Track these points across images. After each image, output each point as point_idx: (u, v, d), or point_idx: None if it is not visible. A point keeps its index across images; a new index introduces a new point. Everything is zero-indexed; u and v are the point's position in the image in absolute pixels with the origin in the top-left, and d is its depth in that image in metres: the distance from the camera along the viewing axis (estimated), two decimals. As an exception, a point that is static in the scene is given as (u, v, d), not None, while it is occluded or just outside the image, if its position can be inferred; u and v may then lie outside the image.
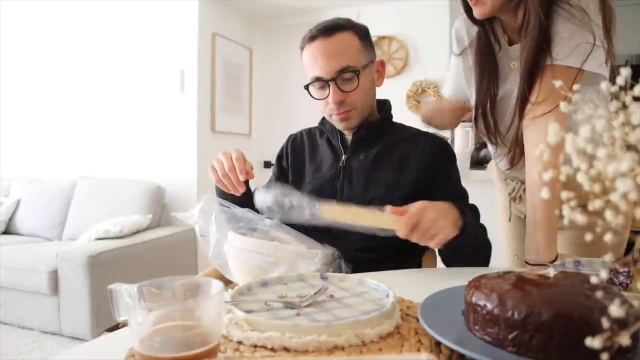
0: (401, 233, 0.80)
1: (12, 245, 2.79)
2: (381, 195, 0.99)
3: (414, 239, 0.81)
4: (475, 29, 1.07)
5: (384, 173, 1.02)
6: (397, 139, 1.06)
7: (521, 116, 0.96)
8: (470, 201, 1.05)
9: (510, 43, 1.04)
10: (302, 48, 1.04)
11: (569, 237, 1.10)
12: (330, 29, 0.99)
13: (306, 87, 1.04)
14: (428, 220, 0.80)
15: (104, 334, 0.62)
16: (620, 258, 0.61)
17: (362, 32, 1.02)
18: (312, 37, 1.00)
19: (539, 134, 0.91)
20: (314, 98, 1.05)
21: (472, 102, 1.11)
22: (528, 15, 0.91)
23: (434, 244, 0.84)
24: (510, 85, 1.05)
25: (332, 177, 1.06)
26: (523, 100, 0.95)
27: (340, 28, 0.99)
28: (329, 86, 0.99)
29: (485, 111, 1.07)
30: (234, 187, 0.96)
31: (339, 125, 1.07)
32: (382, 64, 1.08)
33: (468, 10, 1.02)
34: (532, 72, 0.93)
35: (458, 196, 1.02)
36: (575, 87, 0.38)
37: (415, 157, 1.02)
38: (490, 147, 1.20)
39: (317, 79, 1.00)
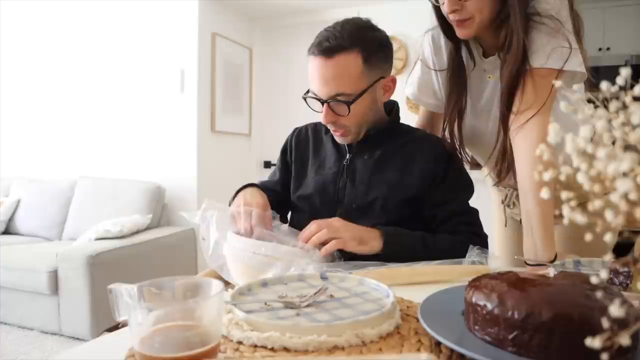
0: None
1: (12, 245, 2.79)
2: (384, 195, 0.99)
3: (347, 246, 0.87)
4: (449, 44, 1.07)
5: (388, 173, 1.01)
6: (403, 141, 1.05)
7: (505, 131, 0.97)
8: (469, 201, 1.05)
9: (485, 55, 1.04)
10: (308, 53, 1.00)
11: (564, 231, 1.10)
12: (332, 50, 0.93)
13: (304, 97, 1.02)
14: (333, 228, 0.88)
15: (104, 334, 0.62)
16: (620, 258, 0.61)
17: (371, 49, 0.96)
18: (314, 53, 0.96)
19: (528, 139, 0.91)
20: (311, 108, 1.04)
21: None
22: (510, 36, 0.92)
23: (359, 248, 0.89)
24: (487, 98, 1.06)
25: (335, 175, 1.06)
26: (505, 116, 0.96)
27: (343, 49, 0.93)
28: (323, 105, 0.98)
29: (452, 129, 1.08)
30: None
31: (337, 139, 1.06)
32: (393, 80, 1.04)
33: (446, 30, 1.02)
34: (513, 88, 0.94)
35: (459, 203, 1.02)
36: (575, 87, 0.38)
37: (420, 159, 1.01)
38: (479, 160, 1.21)
39: (314, 94, 0.99)
